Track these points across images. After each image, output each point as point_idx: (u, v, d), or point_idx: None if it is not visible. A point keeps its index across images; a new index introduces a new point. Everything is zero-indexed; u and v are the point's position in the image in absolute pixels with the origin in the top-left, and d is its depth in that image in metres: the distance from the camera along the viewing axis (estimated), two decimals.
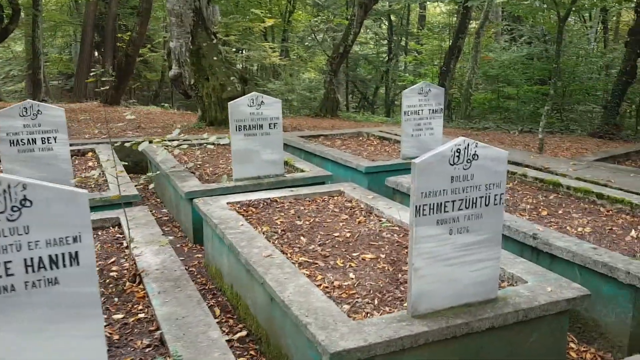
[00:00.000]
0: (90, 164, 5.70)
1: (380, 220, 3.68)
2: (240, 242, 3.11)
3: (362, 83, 33.28)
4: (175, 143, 5.52)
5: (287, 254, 3.09)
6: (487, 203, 2.38)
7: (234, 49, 24.66)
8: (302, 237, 3.39)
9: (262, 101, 4.56)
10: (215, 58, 11.28)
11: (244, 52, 28.23)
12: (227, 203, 3.92)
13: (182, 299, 2.53)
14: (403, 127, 5.33)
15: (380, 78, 28.93)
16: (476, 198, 2.35)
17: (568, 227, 3.65)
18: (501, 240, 2.48)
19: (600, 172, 5.17)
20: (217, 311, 3.29)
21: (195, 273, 3.95)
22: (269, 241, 3.22)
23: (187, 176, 4.75)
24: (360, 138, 7.32)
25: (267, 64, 30.27)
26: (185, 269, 2.98)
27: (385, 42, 29.63)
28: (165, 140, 4.83)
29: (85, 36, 23.23)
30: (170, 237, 4.49)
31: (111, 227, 3.71)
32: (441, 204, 2.28)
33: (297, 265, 2.91)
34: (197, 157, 5.85)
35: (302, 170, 5.02)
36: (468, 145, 2.28)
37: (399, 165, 5.26)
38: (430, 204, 2.25)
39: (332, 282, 2.73)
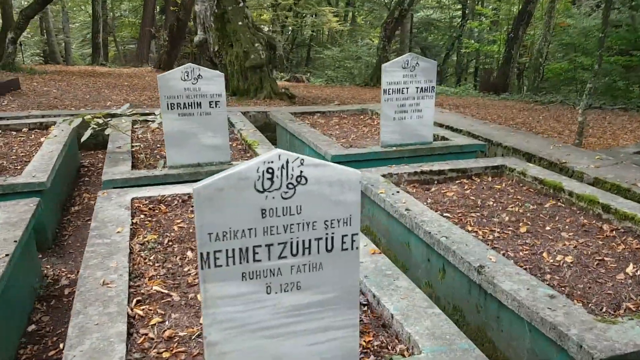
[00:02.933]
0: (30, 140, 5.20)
1: None
2: (90, 260, 2.49)
3: (429, 50, 31.49)
4: (151, 118, 4.99)
5: (145, 276, 2.45)
6: (329, 248, 1.59)
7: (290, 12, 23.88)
8: (189, 252, 2.73)
9: (199, 74, 3.86)
10: (240, 23, 10.61)
11: (305, 17, 27.34)
12: (133, 199, 3.32)
13: None
14: (383, 108, 4.44)
15: (452, 45, 27.05)
16: (309, 240, 1.57)
17: (545, 254, 2.73)
18: (358, 301, 1.69)
19: (632, 173, 4.05)
20: None
21: None
22: (132, 256, 2.60)
23: (123, 160, 4.19)
24: (362, 116, 6.43)
25: (326, 30, 29.32)
26: None
27: (460, 6, 27.61)
28: (97, 118, 4.29)
29: (148, 0, 23.31)
30: None
31: None
32: (247, 249, 1.52)
33: (134, 301, 2.24)
34: (147, 137, 5.25)
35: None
36: (287, 162, 1.48)
37: (375, 154, 4.41)
38: (227, 250, 1.50)
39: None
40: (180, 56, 21.05)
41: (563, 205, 3.42)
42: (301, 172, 1.50)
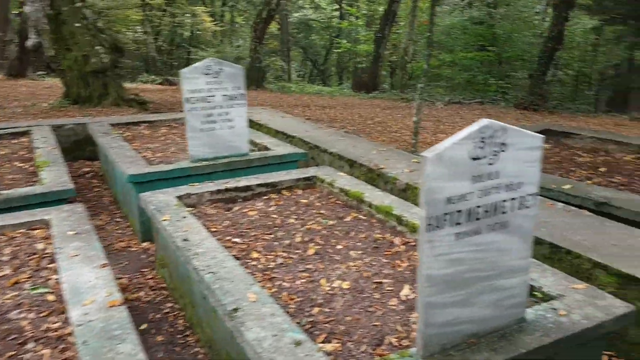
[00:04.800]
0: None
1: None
2: None
3: (310, 49, 31.65)
4: None
5: None
6: None
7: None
8: None
9: None
10: (78, 24, 9.61)
11: (177, 17, 26.16)
12: None
13: None
14: (187, 119, 4.02)
15: (330, 44, 27.26)
16: None
17: (323, 280, 2.47)
18: None
19: None
20: None
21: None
22: None
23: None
24: None
25: (200, 31, 28.32)
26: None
27: (337, 6, 27.91)
28: None
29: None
30: None
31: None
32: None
33: None
34: None
35: (42, 182, 3.68)
36: None
37: (182, 170, 3.97)
38: None
39: None
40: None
41: (363, 218, 3.22)
42: None
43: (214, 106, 4.04)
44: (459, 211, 1.69)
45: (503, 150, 1.71)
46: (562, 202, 3.80)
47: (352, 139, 5.21)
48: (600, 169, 4.51)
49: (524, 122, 10.48)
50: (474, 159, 1.67)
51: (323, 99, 16.18)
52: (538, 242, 2.88)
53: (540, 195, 3.90)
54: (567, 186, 3.87)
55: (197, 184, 3.64)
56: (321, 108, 13.24)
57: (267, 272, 2.57)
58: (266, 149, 4.56)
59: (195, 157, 4.10)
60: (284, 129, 5.55)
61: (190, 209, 3.27)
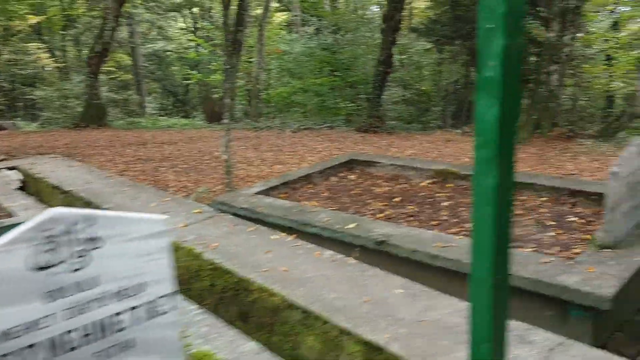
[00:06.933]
0: None
1: None
2: None
3: (168, 81, 30.42)
4: None
5: None
6: None
7: None
8: None
9: None
10: None
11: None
12: None
13: None
14: None
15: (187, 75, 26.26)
16: None
17: None
18: None
19: (220, 229, 3.52)
20: None
21: None
22: None
23: None
24: None
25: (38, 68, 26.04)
26: None
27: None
28: None
29: None
30: None
31: None
32: None
33: None
34: None
35: None
36: None
37: None
38: None
39: None
40: None
41: None
42: None
43: None
44: (31, 346, 1.17)
45: (97, 247, 1.23)
46: (346, 243, 3.53)
47: (137, 189, 4.59)
48: (395, 199, 4.36)
49: (361, 146, 10.61)
50: (42, 268, 1.16)
51: (169, 134, 15.33)
52: (292, 306, 2.49)
53: (325, 238, 3.60)
54: (352, 225, 3.61)
55: None
56: (159, 145, 12.43)
57: None
58: (9, 216, 3.76)
59: None
60: (61, 183, 4.77)
61: None
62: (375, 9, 21.57)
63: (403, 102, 19.25)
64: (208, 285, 2.74)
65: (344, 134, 12.74)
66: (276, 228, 3.70)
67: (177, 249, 3.30)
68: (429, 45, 17.61)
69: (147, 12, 25.81)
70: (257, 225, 3.50)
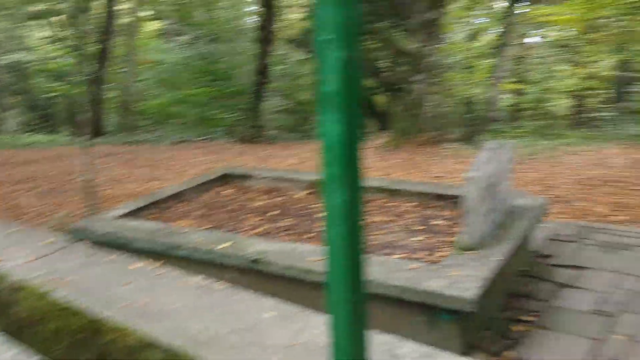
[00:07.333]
0: None
1: None
2: None
3: (33, 94, 27.68)
4: None
5: None
6: None
7: None
8: None
9: None
10: None
11: None
12: None
13: None
14: None
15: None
16: None
17: None
18: None
19: (73, 260, 3.15)
20: None
21: None
22: None
23: None
24: None
25: None
26: None
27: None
28: None
29: None
30: None
31: None
32: None
33: None
34: None
35: None
36: None
37: None
38: None
39: None
40: None
41: None
42: None
43: None
44: None
45: None
46: (219, 265, 3.34)
47: None
48: (271, 213, 4.25)
49: (242, 157, 10.42)
50: None
51: (32, 152, 13.94)
52: (151, 346, 2.26)
53: (196, 261, 3.37)
54: (227, 244, 3.43)
55: None
56: (20, 165, 11.26)
57: None
58: None
59: None
60: None
61: None
62: (250, 20, 21.50)
63: (284, 112, 19.35)
64: (54, 330, 2.40)
65: (225, 145, 12.45)
66: (142, 254, 3.40)
67: (20, 288, 2.88)
68: (305, 56, 17.91)
69: (4, 21, 23.36)
70: (117, 254, 3.18)
